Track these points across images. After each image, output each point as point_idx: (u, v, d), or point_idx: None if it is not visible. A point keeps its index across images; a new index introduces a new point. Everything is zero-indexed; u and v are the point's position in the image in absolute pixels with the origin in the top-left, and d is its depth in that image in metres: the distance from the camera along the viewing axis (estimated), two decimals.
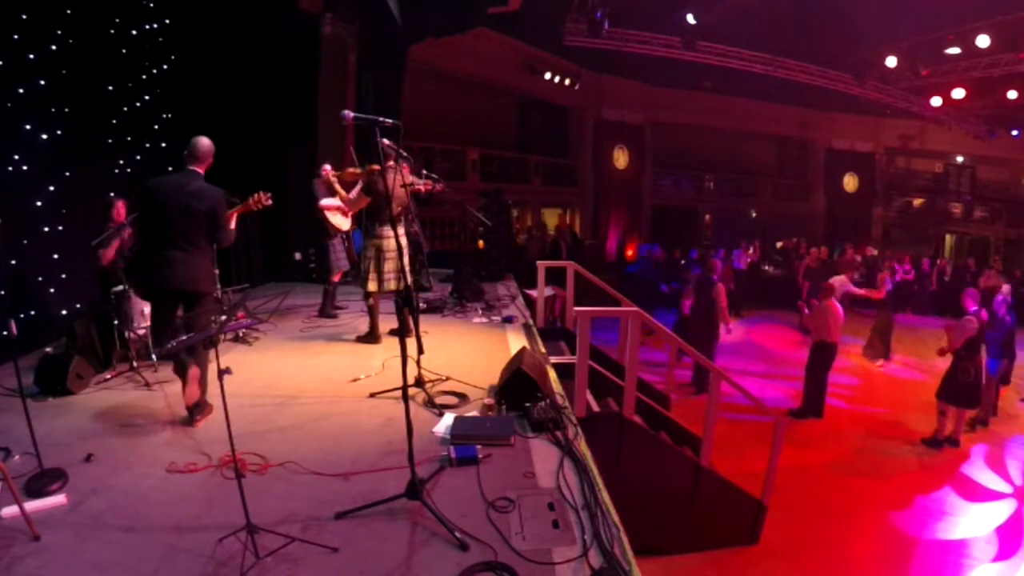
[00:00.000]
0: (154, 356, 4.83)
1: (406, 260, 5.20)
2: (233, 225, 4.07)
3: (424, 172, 6.88)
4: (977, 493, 6.42)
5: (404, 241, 5.14)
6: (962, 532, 5.74)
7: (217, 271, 5.54)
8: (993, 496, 6.38)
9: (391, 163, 4.91)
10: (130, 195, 5.23)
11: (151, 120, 6.64)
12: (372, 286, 5.24)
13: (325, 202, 6.21)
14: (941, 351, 7.34)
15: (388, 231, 5.19)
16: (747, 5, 12.93)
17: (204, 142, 3.80)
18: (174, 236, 3.67)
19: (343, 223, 6.44)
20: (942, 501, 6.25)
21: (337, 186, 5.83)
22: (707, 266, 9.15)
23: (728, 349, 11.06)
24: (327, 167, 6.45)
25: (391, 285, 5.24)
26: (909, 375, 10.15)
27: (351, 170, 5.84)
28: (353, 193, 5.42)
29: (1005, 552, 5.44)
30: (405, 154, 4.55)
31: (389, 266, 5.21)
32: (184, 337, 3.80)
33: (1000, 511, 6.09)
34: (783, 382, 9.49)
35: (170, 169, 6.61)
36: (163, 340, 3.88)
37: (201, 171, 3.79)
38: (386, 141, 4.65)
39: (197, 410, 3.82)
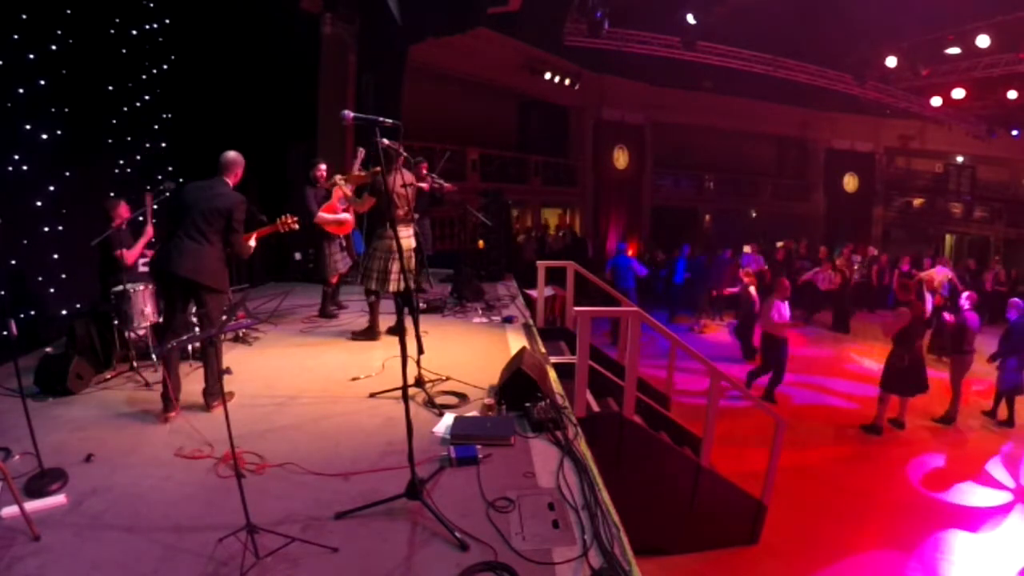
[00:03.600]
0: (154, 356, 4.84)
1: (412, 262, 5.23)
2: (254, 242, 4.29)
3: (428, 174, 6.88)
4: (978, 492, 6.42)
5: (412, 243, 5.15)
6: (961, 531, 5.74)
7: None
8: (993, 497, 6.38)
9: (394, 164, 4.90)
10: (130, 195, 5.24)
11: (151, 120, 6.64)
12: (376, 285, 5.22)
13: (322, 217, 6.18)
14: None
15: (397, 231, 5.16)
16: (747, 5, 12.93)
17: (228, 154, 4.06)
18: (190, 228, 3.85)
19: (342, 228, 6.43)
20: (943, 501, 6.25)
21: (346, 189, 5.78)
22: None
23: (729, 351, 11.07)
24: (325, 169, 6.43)
25: (394, 286, 5.20)
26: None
27: (356, 174, 5.84)
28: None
29: (1001, 552, 5.45)
30: (420, 157, 4.56)
31: (396, 267, 5.16)
32: (184, 337, 3.81)
33: (999, 511, 6.10)
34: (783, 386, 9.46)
35: (170, 169, 6.63)
36: (170, 331, 3.98)
37: (229, 180, 4.02)
38: (386, 141, 4.64)
39: (211, 397, 3.90)
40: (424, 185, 6.66)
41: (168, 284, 3.96)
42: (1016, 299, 8.14)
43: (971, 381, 8.42)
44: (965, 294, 8.29)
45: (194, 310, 4.23)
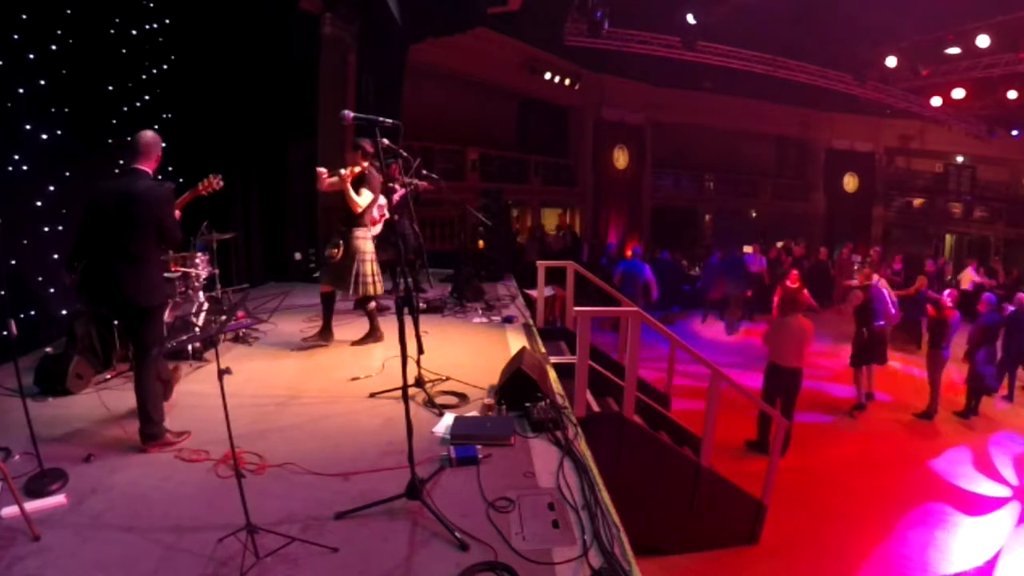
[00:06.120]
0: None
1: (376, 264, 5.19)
2: (178, 215, 3.66)
3: (424, 172, 6.84)
4: (977, 492, 6.42)
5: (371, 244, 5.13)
6: (961, 531, 5.74)
7: (217, 271, 5.57)
8: (992, 494, 6.38)
9: (374, 163, 4.90)
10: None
11: (151, 120, 6.61)
12: (374, 290, 5.20)
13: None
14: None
15: (365, 232, 5.17)
16: (747, 5, 12.92)
17: (146, 135, 3.42)
18: (113, 245, 3.31)
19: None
20: (943, 499, 6.25)
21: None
22: None
23: (730, 352, 11.08)
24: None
25: (372, 289, 5.17)
26: (908, 370, 10.12)
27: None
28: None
29: (998, 549, 5.45)
30: (405, 154, 4.53)
31: (367, 268, 5.13)
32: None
33: (1000, 508, 6.10)
34: None
35: (170, 169, 6.60)
36: (138, 353, 3.57)
37: (147, 168, 3.41)
38: (386, 141, 4.65)
39: (149, 439, 3.39)
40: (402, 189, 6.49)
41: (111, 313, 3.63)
42: (988, 294, 8.37)
43: (955, 376, 8.56)
44: (947, 291, 8.44)
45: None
